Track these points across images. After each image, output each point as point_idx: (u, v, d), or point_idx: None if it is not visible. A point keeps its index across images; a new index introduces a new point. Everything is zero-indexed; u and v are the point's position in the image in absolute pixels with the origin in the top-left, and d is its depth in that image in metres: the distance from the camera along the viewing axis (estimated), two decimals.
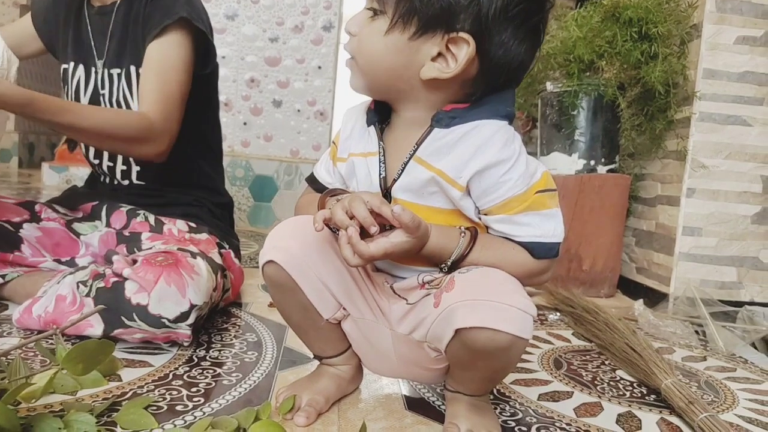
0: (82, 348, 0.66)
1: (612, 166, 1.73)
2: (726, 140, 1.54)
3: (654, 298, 1.62)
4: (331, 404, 0.81)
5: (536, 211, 0.69)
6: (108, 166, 1.25)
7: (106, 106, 1.21)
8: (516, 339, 0.63)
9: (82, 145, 1.27)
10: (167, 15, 1.12)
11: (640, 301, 1.53)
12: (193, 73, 1.17)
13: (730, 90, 1.53)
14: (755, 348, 1.34)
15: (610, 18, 1.63)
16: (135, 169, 1.24)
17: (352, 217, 0.65)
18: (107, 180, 1.28)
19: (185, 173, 1.27)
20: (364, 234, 0.65)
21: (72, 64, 1.24)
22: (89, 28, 1.22)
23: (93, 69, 1.22)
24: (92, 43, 1.21)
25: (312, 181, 0.85)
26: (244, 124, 2.68)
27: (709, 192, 1.56)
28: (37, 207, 1.19)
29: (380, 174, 0.74)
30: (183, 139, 1.21)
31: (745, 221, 1.57)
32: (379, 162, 0.74)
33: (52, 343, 0.87)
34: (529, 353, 1.14)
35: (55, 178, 2.91)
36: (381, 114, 0.77)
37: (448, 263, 0.70)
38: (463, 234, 0.70)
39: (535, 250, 0.70)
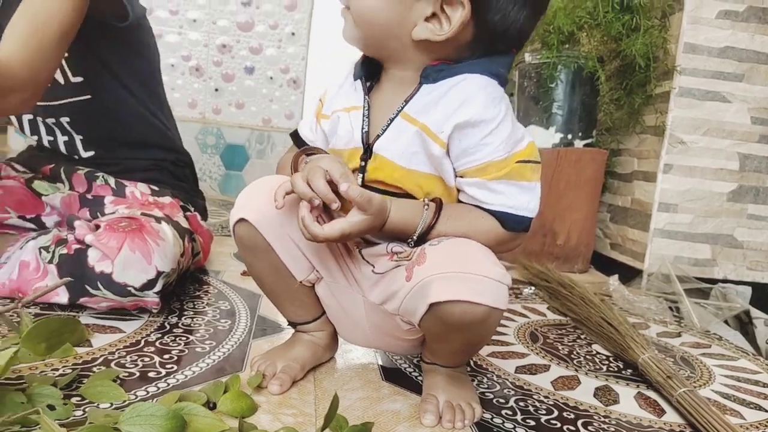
0: (44, 326, 0.62)
1: (589, 141, 1.72)
2: (704, 116, 1.54)
3: (627, 274, 1.63)
4: (306, 372, 0.78)
5: (513, 180, 0.67)
6: (49, 141, 1.14)
7: None
8: (492, 310, 0.62)
9: (15, 122, 1.15)
10: None
11: (615, 276, 1.53)
12: (106, 27, 1.03)
13: (710, 65, 1.52)
14: (728, 325, 1.35)
15: None
16: (78, 138, 1.12)
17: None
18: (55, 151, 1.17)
19: (139, 133, 1.16)
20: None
21: None
22: None
23: None
24: None
25: (295, 136, 0.83)
26: (216, 90, 2.60)
27: (686, 168, 1.57)
28: None
29: (363, 129, 0.70)
30: (131, 97, 1.13)
31: (720, 198, 1.58)
32: (363, 116, 0.71)
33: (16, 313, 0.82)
34: (505, 326, 1.13)
35: (21, 143, 2.79)
36: (369, 70, 0.74)
37: (414, 237, 0.67)
38: (426, 206, 0.67)
39: (505, 220, 0.67)
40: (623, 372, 0.96)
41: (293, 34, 2.60)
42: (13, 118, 1.15)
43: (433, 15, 0.65)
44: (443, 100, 0.67)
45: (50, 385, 0.64)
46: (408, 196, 0.70)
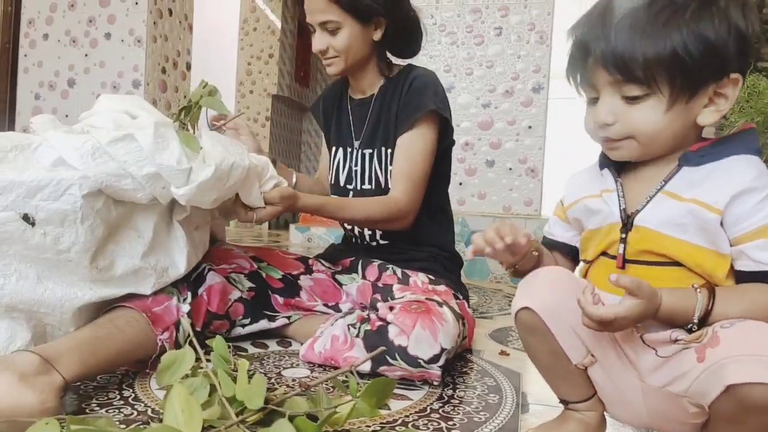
0: (375, 384, 0.80)
1: None
2: None
3: None
4: None
5: None
6: (358, 231, 1.48)
7: (359, 180, 1.44)
8: None
9: None
10: (418, 109, 1.32)
11: None
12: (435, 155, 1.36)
13: None
14: None
15: None
16: (378, 233, 1.45)
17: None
18: (358, 241, 1.49)
19: (423, 234, 1.44)
20: None
21: (334, 148, 1.51)
22: (350, 116, 1.48)
23: (350, 150, 1.47)
24: (351, 129, 1.47)
25: (547, 243, 0.94)
26: (460, 184, 2.86)
27: None
28: (310, 261, 1.44)
29: (620, 206, 0.80)
30: (426, 212, 1.39)
31: None
32: (618, 195, 0.80)
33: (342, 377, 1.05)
34: None
35: (299, 237, 3.40)
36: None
37: (695, 321, 0.71)
38: (699, 290, 0.71)
39: None
40: None
41: (530, 127, 2.77)
42: None
43: (709, 100, 0.74)
44: (711, 177, 0.74)
45: None
46: (677, 265, 0.75)
